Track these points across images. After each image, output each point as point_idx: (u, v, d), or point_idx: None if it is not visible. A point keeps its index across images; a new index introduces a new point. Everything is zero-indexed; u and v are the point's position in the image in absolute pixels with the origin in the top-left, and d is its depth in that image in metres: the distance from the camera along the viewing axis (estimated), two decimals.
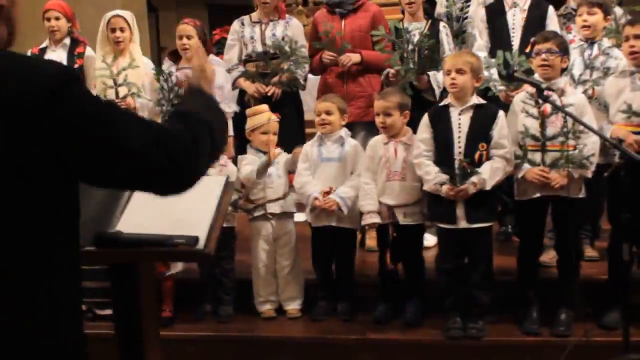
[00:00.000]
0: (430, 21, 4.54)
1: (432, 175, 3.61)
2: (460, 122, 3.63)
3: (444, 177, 3.58)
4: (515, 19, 4.49)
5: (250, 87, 4.65)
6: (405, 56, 4.37)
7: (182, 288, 4.11)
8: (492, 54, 4.35)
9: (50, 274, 1.35)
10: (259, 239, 4.02)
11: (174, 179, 1.50)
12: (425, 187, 3.68)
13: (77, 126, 1.32)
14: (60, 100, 1.30)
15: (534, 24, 4.43)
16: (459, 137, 3.62)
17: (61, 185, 1.36)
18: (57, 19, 4.78)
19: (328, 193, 3.86)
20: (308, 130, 4.77)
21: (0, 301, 1.30)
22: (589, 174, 3.60)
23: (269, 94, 4.57)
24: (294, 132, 4.39)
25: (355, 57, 4.57)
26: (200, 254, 2.21)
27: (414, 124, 3.86)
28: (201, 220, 2.32)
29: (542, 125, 3.59)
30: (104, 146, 1.35)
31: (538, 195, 3.63)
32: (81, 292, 1.48)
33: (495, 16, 4.54)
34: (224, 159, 4.08)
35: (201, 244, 2.21)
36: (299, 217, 4.19)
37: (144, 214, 2.32)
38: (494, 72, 4.20)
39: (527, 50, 4.13)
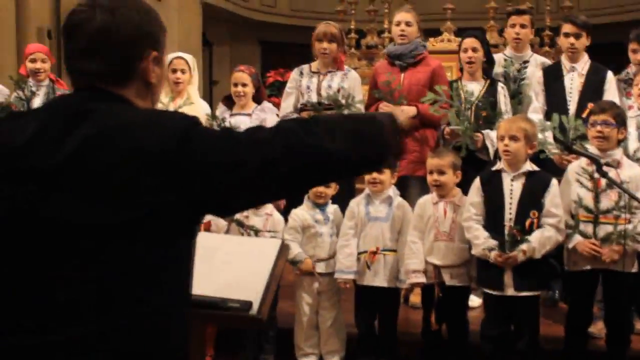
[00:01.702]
0: (488, 81, 4.54)
1: (481, 240, 3.59)
2: (512, 189, 3.61)
3: (493, 242, 3.56)
4: (573, 83, 4.46)
5: None
6: (461, 114, 4.37)
7: (223, 332, 4.12)
8: (547, 116, 4.32)
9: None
10: (302, 292, 4.02)
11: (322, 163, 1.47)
12: (474, 252, 3.65)
13: (203, 165, 1.40)
14: (187, 145, 1.38)
15: (592, 89, 4.40)
16: (510, 203, 3.60)
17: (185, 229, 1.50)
18: None
19: (375, 253, 3.86)
20: None
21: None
22: None
23: None
24: (343, 184, 4.37)
25: (411, 111, 4.55)
26: (253, 319, 2.24)
27: (466, 183, 3.85)
28: (255, 284, 2.33)
29: (597, 198, 3.56)
30: (231, 173, 1.41)
31: (589, 267, 3.58)
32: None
33: (553, 79, 4.52)
34: (269, 207, 4.08)
35: (254, 308, 2.24)
36: None
37: (198, 274, 2.35)
38: (548, 135, 4.17)
39: (584, 115, 4.10)
